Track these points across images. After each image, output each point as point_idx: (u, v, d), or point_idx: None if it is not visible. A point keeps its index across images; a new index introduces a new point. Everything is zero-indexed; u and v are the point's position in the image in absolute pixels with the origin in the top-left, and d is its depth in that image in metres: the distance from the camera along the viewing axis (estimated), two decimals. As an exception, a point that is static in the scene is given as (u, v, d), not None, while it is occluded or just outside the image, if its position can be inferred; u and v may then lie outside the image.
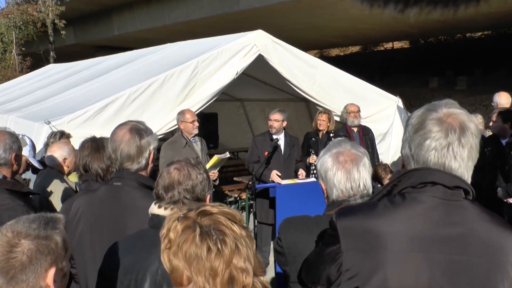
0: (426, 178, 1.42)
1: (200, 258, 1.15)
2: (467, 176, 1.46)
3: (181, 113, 5.28)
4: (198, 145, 5.37)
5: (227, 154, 5.43)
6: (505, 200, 4.86)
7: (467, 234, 1.39)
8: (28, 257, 1.27)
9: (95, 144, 2.73)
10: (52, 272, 1.30)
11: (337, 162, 1.89)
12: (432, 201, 1.41)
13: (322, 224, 1.77)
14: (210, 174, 5.13)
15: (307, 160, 6.00)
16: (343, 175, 1.88)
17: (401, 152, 1.55)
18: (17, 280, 1.26)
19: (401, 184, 1.46)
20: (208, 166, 5.11)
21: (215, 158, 5.17)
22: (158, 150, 2.57)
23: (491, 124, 5.42)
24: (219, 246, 1.15)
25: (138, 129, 2.26)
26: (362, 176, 1.88)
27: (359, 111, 6.31)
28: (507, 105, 5.95)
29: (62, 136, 4.33)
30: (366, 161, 1.92)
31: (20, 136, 3.34)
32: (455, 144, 1.42)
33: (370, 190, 1.90)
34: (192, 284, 1.15)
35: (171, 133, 6.21)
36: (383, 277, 1.37)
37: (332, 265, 1.46)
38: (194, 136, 5.28)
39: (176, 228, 1.21)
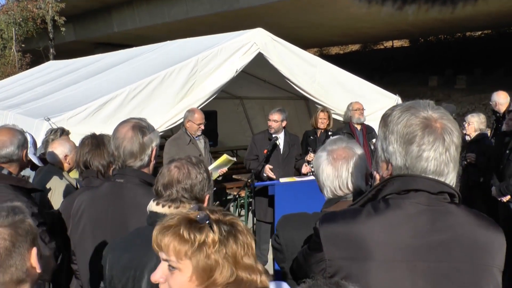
0: (409, 185, 1.39)
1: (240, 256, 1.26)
2: (453, 176, 1.44)
3: (191, 112, 5.33)
4: (201, 143, 5.44)
5: (234, 159, 5.59)
6: (499, 199, 4.88)
7: (452, 240, 1.37)
8: (11, 241, 1.30)
9: (95, 141, 2.74)
10: (34, 251, 1.33)
11: (328, 159, 1.89)
12: (416, 208, 1.39)
13: None
14: (219, 171, 5.30)
15: (305, 158, 6.02)
16: (331, 172, 1.88)
17: (390, 162, 1.46)
18: (5, 266, 1.28)
19: (385, 189, 1.43)
20: (216, 163, 5.24)
21: (224, 156, 5.29)
22: (160, 147, 2.58)
23: (505, 123, 5.43)
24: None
25: (141, 126, 2.27)
26: (351, 175, 1.86)
27: (363, 109, 6.34)
28: (506, 104, 5.98)
29: (63, 133, 4.34)
30: (358, 160, 1.89)
31: None
32: (451, 149, 1.41)
33: (362, 189, 1.88)
34: (235, 277, 1.25)
35: (170, 131, 6.22)
36: (366, 285, 1.36)
37: (316, 269, 1.47)
38: (198, 135, 5.35)
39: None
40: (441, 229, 1.38)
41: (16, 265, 1.29)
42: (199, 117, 5.30)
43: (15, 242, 1.30)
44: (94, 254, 2.14)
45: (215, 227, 1.25)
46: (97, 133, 2.88)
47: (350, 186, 1.87)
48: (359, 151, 1.93)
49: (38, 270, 1.36)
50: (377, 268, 1.37)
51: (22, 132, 2.63)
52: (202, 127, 5.33)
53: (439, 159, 1.40)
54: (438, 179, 1.40)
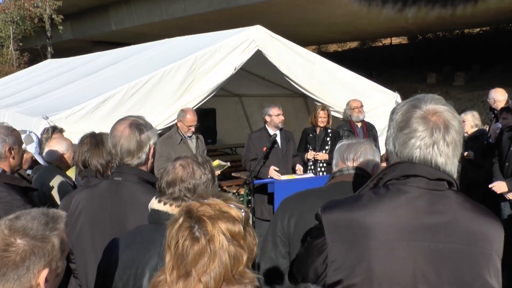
0: (409, 171, 1.43)
1: None
2: (453, 172, 1.47)
3: (183, 112, 5.27)
4: (193, 142, 5.36)
5: (228, 164, 5.56)
6: (505, 196, 4.85)
7: (450, 223, 1.40)
8: (22, 258, 1.28)
9: (94, 140, 2.72)
10: (44, 273, 1.31)
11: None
12: (415, 191, 1.42)
13: (321, 192, 2.14)
14: None
15: (305, 156, 5.99)
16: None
17: (385, 147, 1.56)
18: (8, 278, 1.27)
19: (386, 176, 1.48)
20: None
21: (216, 162, 5.26)
22: (158, 145, 2.57)
23: (500, 120, 5.42)
24: None
25: (138, 124, 2.25)
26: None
27: (362, 106, 6.31)
28: (504, 101, 5.97)
29: (54, 131, 4.31)
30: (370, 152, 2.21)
31: (27, 133, 3.33)
32: (440, 143, 1.43)
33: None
34: None
35: (169, 129, 6.21)
36: (367, 266, 1.39)
37: (318, 257, 1.49)
38: (189, 136, 5.30)
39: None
40: (439, 211, 1.41)
41: (20, 280, 1.28)
42: (190, 119, 5.20)
43: (25, 260, 1.29)
44: (92, 253, 2.13)
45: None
46: (96, 131, 2.86)
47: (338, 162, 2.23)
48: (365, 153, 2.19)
49: None
50: (379, 247, 1.40)
51: (8, 128, 2.55)
52: (193, 129, 5.23)
53: (424, 150, 1.43)
54: (437, 167, 1.44)
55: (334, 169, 2.25)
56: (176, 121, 5.43)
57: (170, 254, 1.26)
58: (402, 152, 1.45)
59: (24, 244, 1.29)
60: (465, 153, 5.67)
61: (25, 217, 1.35)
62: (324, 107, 6.23)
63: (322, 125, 6.09)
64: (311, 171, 5.93)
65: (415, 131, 1.43)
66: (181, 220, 1.27)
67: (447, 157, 1.43)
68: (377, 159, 2.20)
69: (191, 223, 1.25)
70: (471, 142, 5.79)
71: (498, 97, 6.05)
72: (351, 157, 2.18)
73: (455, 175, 1.47)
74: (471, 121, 5.91)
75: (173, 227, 1.28)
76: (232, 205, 1.30)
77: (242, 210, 1.31)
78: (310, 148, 6.05)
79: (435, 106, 1.45)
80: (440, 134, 1.42)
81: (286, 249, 2.18)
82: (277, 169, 5.46)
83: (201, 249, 1.22)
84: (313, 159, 5.97)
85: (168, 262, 1.27)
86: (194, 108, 5.70)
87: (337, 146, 2.28)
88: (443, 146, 1.42)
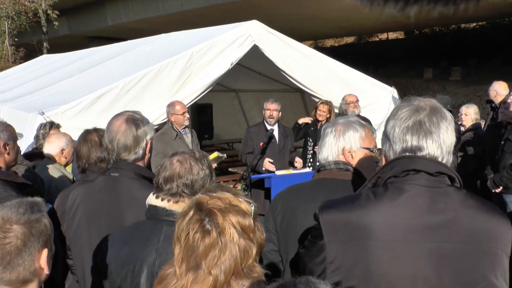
0: (408, 166, 1.40)
1: None
2: (448, 161, 1.43)
3: (171, 105, 5.20)
4: (188, 137, 5.29)
5: (225, 155, 5.52)
6: (493, 190, 4.87)
7: (452, 221, 1.36)
8: (23, 240, 1.30)
9: (94, 135, 2.72)
10: (45, 253, 1.33)
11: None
12: (415, 189, 1.39)
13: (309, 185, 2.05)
14: None
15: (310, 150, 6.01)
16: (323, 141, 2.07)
17: (382, 149, 1.54)
18: (13, 265, 1.28)
19: (384, 175, 1.44)
20: None
21: (215, 154, 5.23)
22: (155, 140, 2.56)
23: (500, 110, 5.42)
24: None
25: (134, 119, 2.24)
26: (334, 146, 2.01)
27: (357, 100, 6.31)
28: (505, 96, 5.97)
29: (52, 126, 4.30)
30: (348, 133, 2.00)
31: None
32: (425, 120, 1.41)
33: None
34: None
35: (165, 124, 6.20)
36: (366, 268, 1.36)
37: (316, 258, 1.46)
38: (184, 128, 5.21)
39: None
40: (441, 210, 1.37)
41: (25, 264, 1.29)
42: (180, 107, 5.13)
43: (27, 242, 1.30)
44: (89, 249, 2.12)
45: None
46: (92, 126, 2.86)
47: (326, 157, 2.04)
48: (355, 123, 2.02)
49: (47, 272, 1.35)
50: (377, 247, 1.36)
51: (2, 124, 2.54)
52: (187, 115, 5.16)
53: (412, 128, 1.42)
54: (436, 160, 1.41)
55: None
56: (167, 118, 5.35)
57: (180, 246, 1.27)
58: (394, 135, 1.44)
59: (21, 227, 1.31)
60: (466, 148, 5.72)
61: (10, 206, 1.37)
62: (326, 102, 6.22)
63: (320, 119, 6.08)
64: (310, 165, 5.95)
65: (400, 114, 1.44)
66: (191, 213, 1.27)
67: (437, 137, 1.41)
68: (357, 143, 1.97)
69: (202, 215, 1.25)
70: (468, 136, 5.82)
71: (500, 90, 6.01)
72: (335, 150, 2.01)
73: (449, 164, 1.43)
74: (473, 116, 5.92)
75: (183, 219, 1.28)
76: (241, 199, 1.30)
77: (251, 204, 1.31)
78: (310, 140, 6.06)
79: (427, 102, 1.46)
80: (425, 112, 1.41)
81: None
82: (272, 160, 5.46)
83: (212, 242, 1.22)
84: (312, 153, 6.00)
85: (178, 255, 1.27)
86: (190, 104, 5.66)
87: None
88: (430, 123, 1.40)
